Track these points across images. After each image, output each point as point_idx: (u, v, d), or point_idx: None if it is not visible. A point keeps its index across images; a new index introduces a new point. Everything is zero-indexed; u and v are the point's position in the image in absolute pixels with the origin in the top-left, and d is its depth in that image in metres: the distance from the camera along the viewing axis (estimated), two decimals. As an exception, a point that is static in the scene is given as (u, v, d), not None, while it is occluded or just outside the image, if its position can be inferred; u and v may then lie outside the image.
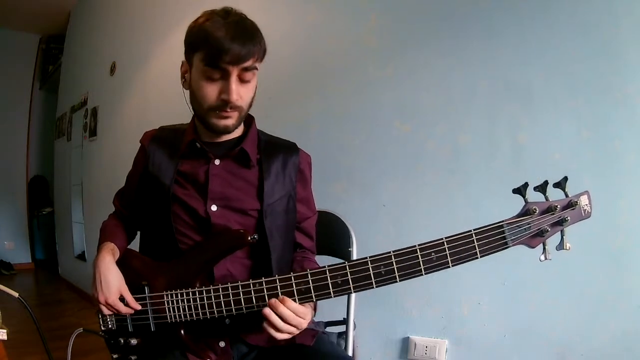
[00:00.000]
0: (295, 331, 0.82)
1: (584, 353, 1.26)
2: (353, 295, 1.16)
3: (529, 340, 1.36)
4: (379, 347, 1.63)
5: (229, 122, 0.92)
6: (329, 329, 1.11)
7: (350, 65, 1.76)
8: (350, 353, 1.09)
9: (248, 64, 0.87)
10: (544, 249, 0.75)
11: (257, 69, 0.90)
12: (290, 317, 0.80)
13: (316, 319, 1.11)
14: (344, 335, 1.12)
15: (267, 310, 0.80)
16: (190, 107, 0.97)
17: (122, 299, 0.93)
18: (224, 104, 0.88)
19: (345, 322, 1.14)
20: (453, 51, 1.50)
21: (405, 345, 1.58)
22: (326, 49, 1.84)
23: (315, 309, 0.93)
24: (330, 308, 1.19)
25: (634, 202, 1.21)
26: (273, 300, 0.81)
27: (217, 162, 0.97)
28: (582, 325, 1.27)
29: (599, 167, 1.24)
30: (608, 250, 1.24)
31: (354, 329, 1.13)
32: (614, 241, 1.23)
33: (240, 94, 0.89)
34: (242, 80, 0.89)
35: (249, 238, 0.89)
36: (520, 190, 0.75)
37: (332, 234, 1.24)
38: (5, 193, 5.18)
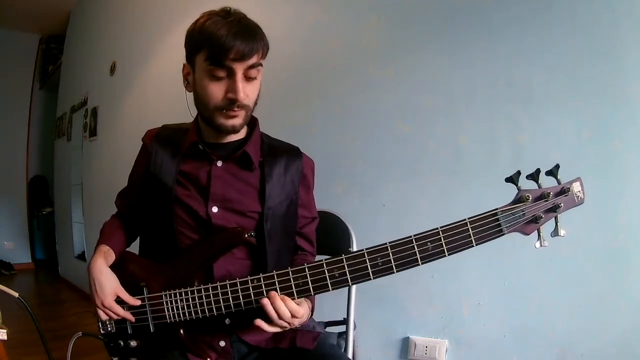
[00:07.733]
0: (286, 326, 0.83)
1: (584, 353, 1.26)
2: (353, 295, 1.16)
3: (529, 340, 1.35)
4: (378, 347, 1.63)
5: (237, 121, 0.90)
6: (329, 329, 1.11)
7: (351, 65, 1.76)
8: (350, 353, 1.09)
9: (252, 61, 0.86)
10: (539, 235, 0.75)
11: (261, 65, 0.90)
12: (285, 314, 0.80)
13: (316, 319, 1.11)
14: (344, 335, 1.12)
15: (265, 301, 0.81)
16: (191, 111, 0.96)
17: (120, 301, 0.93)
18: (231, 103, 0.87)
19: (345, 322, 1.14)
20: (453, 51, 1.50)
21: (405, 345, 1.58)
22: (327, 50, 1.84)
23: (312, 310, 0.93)
24: (331, 308, 1.19)
25: (634, 202, 1.20)
26: (273, 293, 0.81)
27: (219, 163, 0.96)
28: (582, 325, 1.27)
29: (599, 167, 1.24)
30: (608, 250, 1.24)
31: (354, 329, 1.13)
32: (614, 241, 1.23)
33: (247, 92, 0.88)
34: (247, 78, 0.88)
35: (246, 235, 0.89)
36: (513, 179, 0.76)
37: (332, 234, 1.24)
38: (5, 193, 5.16)
